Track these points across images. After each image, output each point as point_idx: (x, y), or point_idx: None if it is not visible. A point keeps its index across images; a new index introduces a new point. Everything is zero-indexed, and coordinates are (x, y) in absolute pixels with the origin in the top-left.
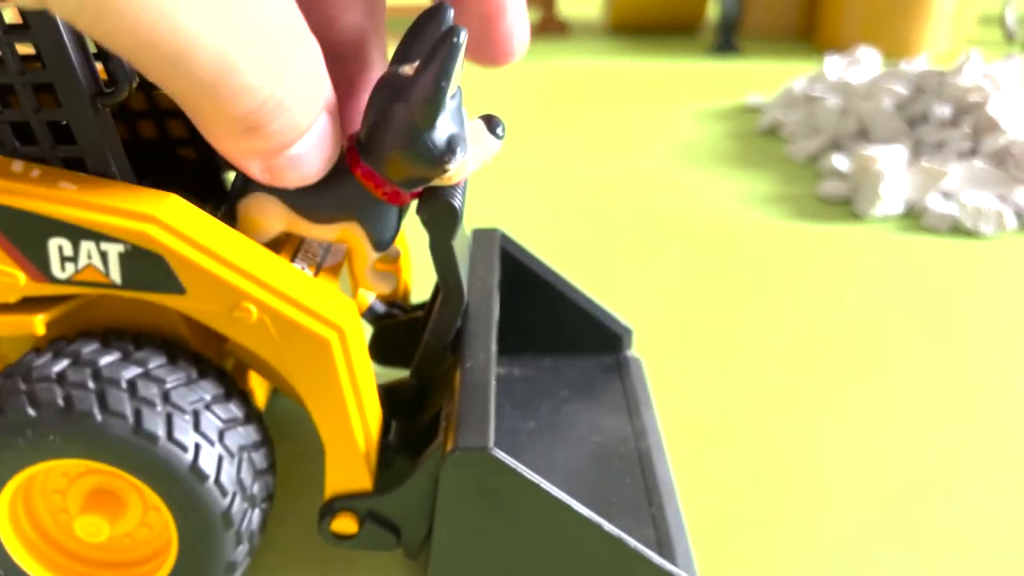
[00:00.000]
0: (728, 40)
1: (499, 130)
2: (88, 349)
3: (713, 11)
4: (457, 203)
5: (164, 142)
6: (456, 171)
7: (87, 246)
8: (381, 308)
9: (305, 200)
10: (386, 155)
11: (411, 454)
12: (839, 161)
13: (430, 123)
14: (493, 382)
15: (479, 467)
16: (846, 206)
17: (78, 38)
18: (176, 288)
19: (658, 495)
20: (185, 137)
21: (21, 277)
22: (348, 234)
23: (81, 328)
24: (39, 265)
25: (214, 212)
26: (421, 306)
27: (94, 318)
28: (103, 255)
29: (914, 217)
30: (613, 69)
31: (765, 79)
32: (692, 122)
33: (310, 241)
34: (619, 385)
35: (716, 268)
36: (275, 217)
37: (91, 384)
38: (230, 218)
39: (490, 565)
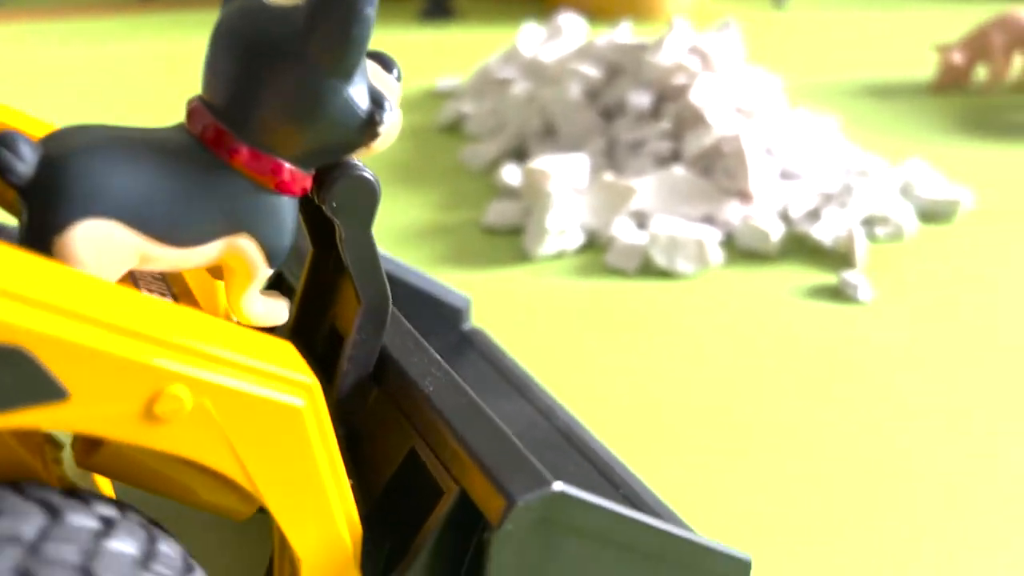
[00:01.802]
0: (439, 2)
1: (396, 72)
2: None
3: None
4: (372, 176)
5: None
6: (387, 135)
7: None
8: None
9: (167, 219)
10: (278, 127)
11: (373, 528)
12: (511, 174)
13: (349, 73)
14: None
15: (545, 512)
16: (517, 239)
17: None
18: (52, 393)
19: (615, 473)
20: None
21: None
22: (231, 253)
23: None
24: None
25: None
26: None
27: None
28: None
29: (598, 251)
30: None
31: (479, 50)
32: None
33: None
34: (485, 364)
35: None
36: (122, 252)
37: None
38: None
39: None
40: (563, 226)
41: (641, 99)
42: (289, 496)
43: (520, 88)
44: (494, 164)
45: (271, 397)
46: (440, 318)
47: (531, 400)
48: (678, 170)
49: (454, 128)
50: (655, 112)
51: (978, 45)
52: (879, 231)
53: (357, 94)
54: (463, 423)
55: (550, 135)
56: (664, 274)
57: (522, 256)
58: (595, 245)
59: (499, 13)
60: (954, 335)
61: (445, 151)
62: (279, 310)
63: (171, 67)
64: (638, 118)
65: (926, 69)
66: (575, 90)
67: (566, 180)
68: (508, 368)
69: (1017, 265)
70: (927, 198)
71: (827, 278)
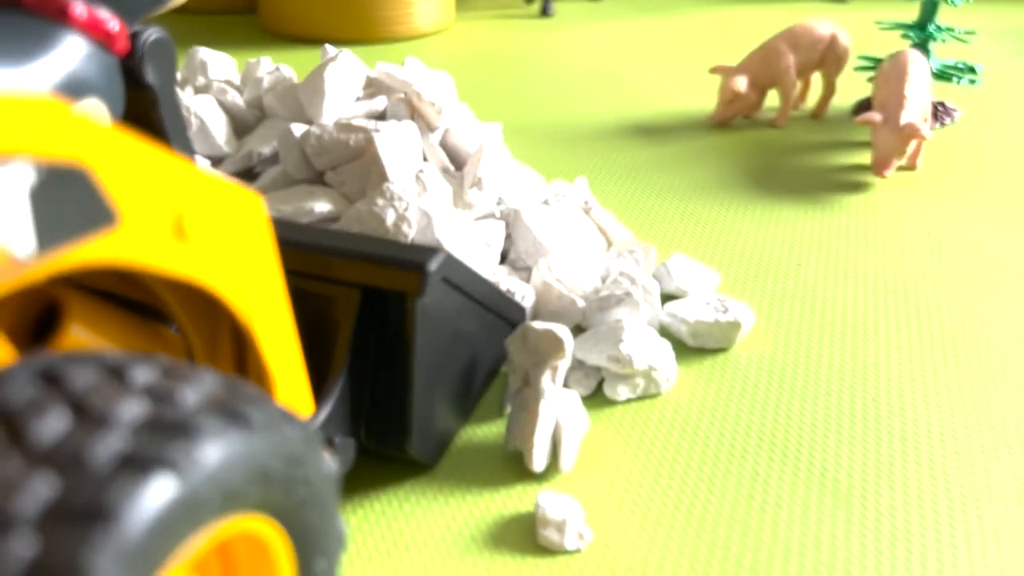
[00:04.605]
0: None
1: None
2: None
3: None
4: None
5: None
6: None
7: None
8: None
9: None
10: None
11: None
12: None
13: None
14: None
15: (441, 273)
16: None
17: None
18: (103, 218)
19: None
20: None
21: None
22: None
23: None
24: None
25: None
26: None
27: None
28: None
29: None
30: None
31: None
32: None
33: None
34: None
35: None
36: None
37: None
38: None
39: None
40: None
41: None
42: (265, 308)
43: None
44: None
45: (245, 193)
46: None
47: None
48: None
49: None
50: None
51: (765, 66)
52: (621, 391)
53: None
54: (335, 242)
55: None
56: None
57: None
58: None
59: (201, 36)
60: None
61: None
62: None
63: None
64: None
65: (709, 95)
66: None
67: None
68: None
69: (807, 413)
70: (693, 321)
71: (522, 498)
